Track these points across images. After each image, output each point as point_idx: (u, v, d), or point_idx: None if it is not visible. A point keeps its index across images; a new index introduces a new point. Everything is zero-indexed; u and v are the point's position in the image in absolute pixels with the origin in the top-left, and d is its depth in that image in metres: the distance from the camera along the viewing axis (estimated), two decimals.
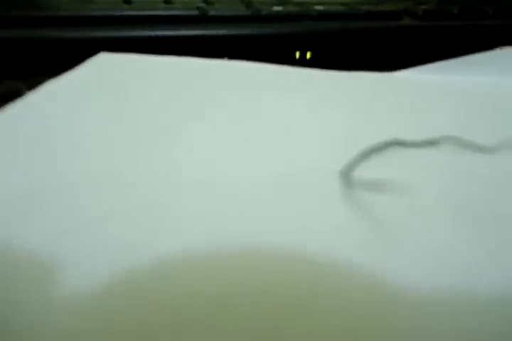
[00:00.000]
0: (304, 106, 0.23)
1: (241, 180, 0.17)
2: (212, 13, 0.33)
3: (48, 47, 0.29)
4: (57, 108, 0.21)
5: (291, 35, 0.33)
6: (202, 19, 0.32)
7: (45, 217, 0.15)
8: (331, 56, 0.34)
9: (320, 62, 0.34)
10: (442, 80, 0.25)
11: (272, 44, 0.33)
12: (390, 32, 0.34)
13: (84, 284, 0.13)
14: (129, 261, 0.13)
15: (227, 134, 0.20)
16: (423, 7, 0.36)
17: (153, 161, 0.18)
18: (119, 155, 0.18)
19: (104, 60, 0.26)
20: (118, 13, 0.31)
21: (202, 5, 0.34)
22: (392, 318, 0.12)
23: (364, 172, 0.17)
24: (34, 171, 0.17)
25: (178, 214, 0.15)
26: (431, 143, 0.19)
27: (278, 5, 0.35)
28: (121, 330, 0.12)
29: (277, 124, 0.21)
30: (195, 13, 0.33)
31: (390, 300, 0.12)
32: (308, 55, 0.34)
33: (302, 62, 0.34)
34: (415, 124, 0.21)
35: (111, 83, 0.24)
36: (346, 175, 0.16)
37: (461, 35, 0.35)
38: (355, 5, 0.36)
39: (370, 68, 0.31)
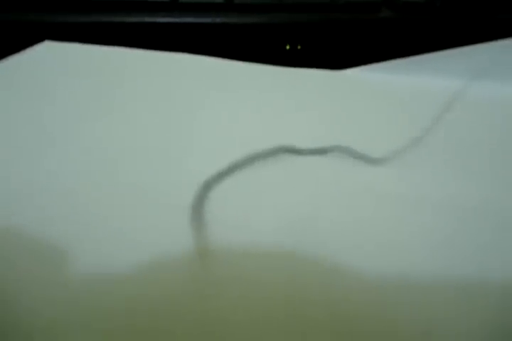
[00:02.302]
0: (224, 102, 0.22)
1: (107, 186, 0.17)
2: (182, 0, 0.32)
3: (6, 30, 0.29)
4: None
5: (268, 25, 0.33)
6: (171, 6, 0.32)
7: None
8: (307, 48, 0.33)
9: (296, 53, 0.33)
10: (386, 80, 0.25)
11: (246, 34, 0.32)
12: (366, 24, 0.33)
13: (94, 267, 0.13)
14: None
15: (134, 130, 0.20)
16: None
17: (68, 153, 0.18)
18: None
19: (44, 49, 0.25)
20: None
21: None
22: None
23: (234, 181, 0.17)
24: None
25: None
26: (321, 151, 0.18)
27: None
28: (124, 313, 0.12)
29: (184, 121, 0.20)
30: None
31: None
32: (299, 46, 0.33)
33: (282, 53, 0.33)
34: (325, 127, 0.20)
35: (46, 71, 0.24)
36: (207, 187, 0.16)
37: (442, 28, 0.34)
38: None
39: (346, 60, 0.31)
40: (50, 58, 0.25)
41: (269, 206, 0.16)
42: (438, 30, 0.34)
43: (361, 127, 0.21)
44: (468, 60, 0.25)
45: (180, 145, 0.19)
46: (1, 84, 0.22)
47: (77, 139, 0.19)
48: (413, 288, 0.13)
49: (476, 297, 0.13)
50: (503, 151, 0.19)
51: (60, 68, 0.24)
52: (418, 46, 0.32)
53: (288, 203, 0.16)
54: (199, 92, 0.23)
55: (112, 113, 0.21)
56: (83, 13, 0.31)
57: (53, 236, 0.14)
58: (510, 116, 0.22)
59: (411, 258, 0.14)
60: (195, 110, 0.21)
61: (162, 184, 0.17)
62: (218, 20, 0.32)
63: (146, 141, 0.19)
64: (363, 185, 0.17)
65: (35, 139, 0.19)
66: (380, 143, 0.19)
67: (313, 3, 0.33)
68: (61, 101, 0.21)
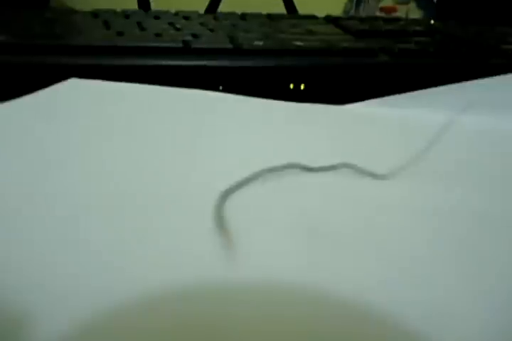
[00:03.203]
0: (238, 131, 0.24)
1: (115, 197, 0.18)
2: (195, 45, 0.35)
3: (33, 73, 0.31)
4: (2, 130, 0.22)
5: (270, 67, 0.35)
6: (184, 51, 0.34)
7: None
8: (307, 90, 0.35)
9: (296, 95, 0.35)
10: (384, 112, 0.27)
11: (250, 76, 0.34)
12: (364, 68, 0.35)
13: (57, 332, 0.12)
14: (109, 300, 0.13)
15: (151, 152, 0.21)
16: (400, 45, 0.37)
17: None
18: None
19: (69, 85, 0.27)
20: (105, 43, 0.34)
21: (188, 38, 0.36)
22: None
23: (247, 193, 0.18)
24: None
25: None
26: (330, 168, 0.20)
27: (260, 40, 0.36)
28: None
29: (203, 146, 0.22)
30: (179, 45, 0.35)
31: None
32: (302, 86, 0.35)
33: (283, 94, 0.35)
34: (329, 150, 0.22)
35: (69, 107, 0.25)
36: (225, 196, 0.17)
37: (435, 73, 0.36)
38: (334, 42, 0.37)
39: (347, 99, 0.33)
40: (76, 94, 0.27)
41: (282, 216, 0.17)
42: (432, 74, 0.36)
43: (364, 149, 0.22)
44: (465, 94, 0.27)
45: (203, 166, 0.20)
46: (28, 115, 0.24)
47: (85, 164, 0.20)
48: (436, 319, 0.13)
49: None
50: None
51: (86, 102, 0.26)
52: (413, 89, 0.34)
53: (300, 213, 0.17)
54: (215, 122, 0.25)
55: (134, 138, 0.22)
56: (97, 57, 0.33)
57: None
58: (503, 146, 0.24)
59: (432, 284, 0.14)
60: (214, 136, 0.23)
61: (182, 195, 0.18)
62: (227, 63, 0.34)
63: (169, 161, 0.20)
64: (373, 198, 0.18)
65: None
66: (384, 162, 0.20)
67: (315, 48, 0.36)
68: (87, 128, 0.23)
